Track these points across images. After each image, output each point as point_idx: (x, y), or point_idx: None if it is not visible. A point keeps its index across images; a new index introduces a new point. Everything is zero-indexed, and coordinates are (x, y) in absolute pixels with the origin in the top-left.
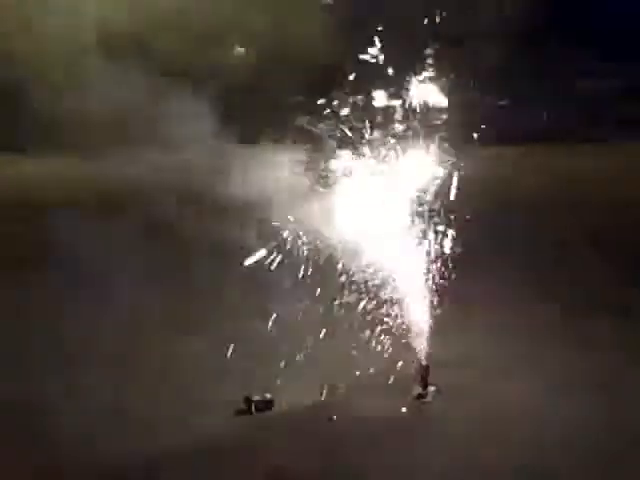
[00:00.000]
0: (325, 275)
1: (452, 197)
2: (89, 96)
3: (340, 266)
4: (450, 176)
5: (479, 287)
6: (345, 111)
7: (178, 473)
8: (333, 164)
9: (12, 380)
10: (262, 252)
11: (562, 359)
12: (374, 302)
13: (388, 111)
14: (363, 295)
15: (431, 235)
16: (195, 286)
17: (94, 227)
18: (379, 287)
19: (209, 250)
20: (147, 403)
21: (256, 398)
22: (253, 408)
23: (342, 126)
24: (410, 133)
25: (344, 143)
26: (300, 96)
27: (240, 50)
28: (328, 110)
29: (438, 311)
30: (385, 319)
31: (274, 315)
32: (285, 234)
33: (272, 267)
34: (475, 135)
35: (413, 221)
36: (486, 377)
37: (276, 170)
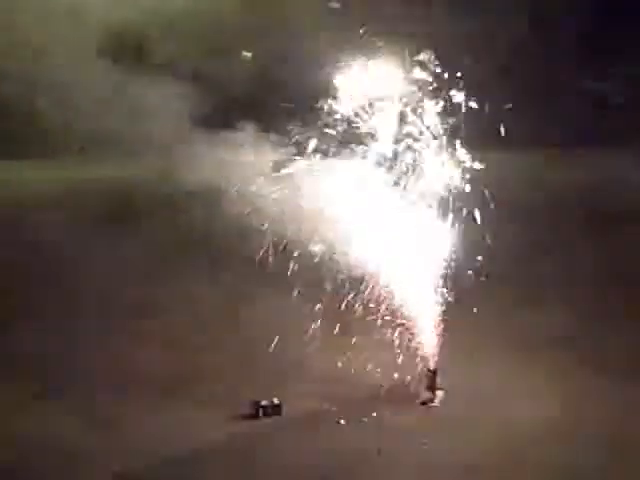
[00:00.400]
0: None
1: None
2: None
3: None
4: None
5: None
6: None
7: (183, 474)
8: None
9: None
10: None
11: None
12: (381, 307)
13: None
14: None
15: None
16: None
17: None
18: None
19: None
20: (152, 406)
21: (264, 403)
22: (261, 412)
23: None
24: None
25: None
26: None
27: (246, 55)
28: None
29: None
30: (393, 325)
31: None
32: None
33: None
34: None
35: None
36: (489, 381)
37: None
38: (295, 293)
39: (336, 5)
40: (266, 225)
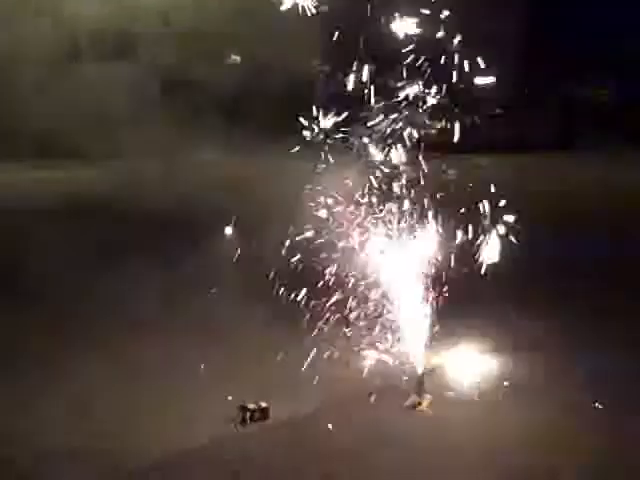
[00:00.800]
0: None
1: None
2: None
3: None
4: None
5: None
6: None
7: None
8: None
9: None
10: None
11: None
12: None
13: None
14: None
15: None
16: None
17: None
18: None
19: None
20: (132, 411)
21: (251, 406)
22: (248, 417)
23: None
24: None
25: None
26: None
27: (235, 58)
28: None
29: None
30: (380, 325)
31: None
32: None
33: None
34: None
35: None
36: (481, 384)
37: None
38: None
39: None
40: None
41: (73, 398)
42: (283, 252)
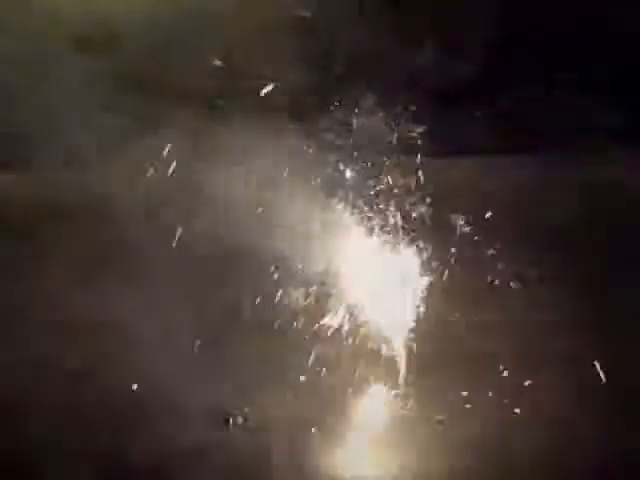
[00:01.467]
0: None
1: None
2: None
3: None
4: None
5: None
6: None
7: None
8: None
9: None
10: None
11: None
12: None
13: None
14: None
15: None
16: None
17: None
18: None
19: None
20: (117, 414)
21: (233, 411)
22: (230, 421)
23: None
24: None
25: None
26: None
27: (218, 63)
28: None
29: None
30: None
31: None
32: None
33: None
34: None
35: None
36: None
37: None
38: None
39: (306, 14)
40: None
41: None
42: None
